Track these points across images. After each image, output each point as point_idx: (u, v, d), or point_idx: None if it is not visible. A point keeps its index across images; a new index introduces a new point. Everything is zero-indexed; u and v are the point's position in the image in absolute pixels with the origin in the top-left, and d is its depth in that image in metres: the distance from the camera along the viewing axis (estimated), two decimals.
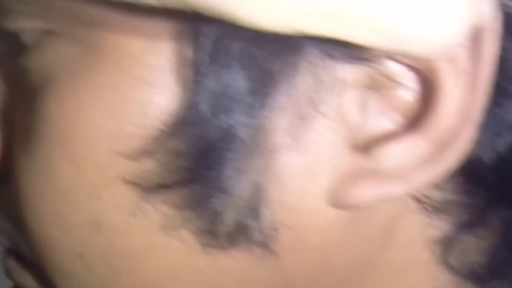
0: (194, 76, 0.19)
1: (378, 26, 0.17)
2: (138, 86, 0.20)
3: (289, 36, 0.18)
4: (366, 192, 0.20)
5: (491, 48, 0.19)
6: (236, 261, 0.21)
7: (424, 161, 0.20)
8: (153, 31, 0.19)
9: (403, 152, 0.20)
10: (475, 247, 0.23)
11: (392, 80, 0.20)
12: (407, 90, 0.20)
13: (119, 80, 0.20)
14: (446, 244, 0.22)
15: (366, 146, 0.20)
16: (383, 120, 0.20)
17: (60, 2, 0.20)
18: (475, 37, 0.18)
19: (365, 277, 0.23)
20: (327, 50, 0.19)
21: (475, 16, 0.18)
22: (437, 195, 0.22)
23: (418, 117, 0.20)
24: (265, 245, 0.20)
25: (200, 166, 0.19)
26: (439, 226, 0.22)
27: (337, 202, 0.20)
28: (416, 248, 0.22)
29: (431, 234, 0.22)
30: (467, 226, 0.22)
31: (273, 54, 0.19)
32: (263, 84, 0.19)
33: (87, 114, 0.20)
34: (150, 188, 0.20)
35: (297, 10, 0.17)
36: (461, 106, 0.19)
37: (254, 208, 0.20)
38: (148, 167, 0.20)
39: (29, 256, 0.24)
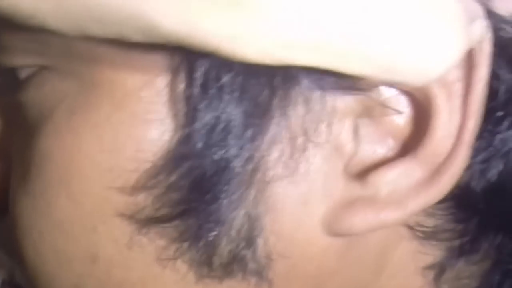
0: (186, 110, 0.20)
1: (369, 57, 0.18)
2: (133, 122, 0.20)
3: (279, 67, 0.18)
4: (360, 220, 0.20)
5: (483, 72, 0.19)
6: None
7: (418, 186, 0.20)
8: (147, 67, 0.20)
9: (397, 178, 0.20)
10: (467, 272, 0.23)
11: (384, 106, 0.20)
12: (400, 115, 0.20)
13: (115, 115, 0.20)
14: (438, 270, 0.23)
15: (360, 173, 0.20)
16: (376, 146, 0.20)
17: (57, 39, 0.20)
18: (468, 60, 0.19)
19: None
20: (319, 81, 0.19)
21: (468, 40, 0.18)
22: (428, 221, 0.22)
23: (411, 141, 0.20)
24: (259, 274, 0.21)
25: (194, 199, 0.20)
26: (431, 253, 0.22)
27: (331, 230, 0.20)
28: (409, 274, 0.23)
29: (423, 260, 0.23)
30: (458, 252, 0.22)
31: (265, 86, 0.19)
32: (256, 116, 0.19)
33: (83, 149, 0.20)
34: (146, 221, 0.20)
35: (282, 42, 0.17)
36: (454, 130, 0.19)
37: (249, 238, 0.20)
38: (144, 201, 0.20)
39: (26, 287, 0.24)
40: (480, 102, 0.19)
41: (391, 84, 0.19)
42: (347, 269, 0.22)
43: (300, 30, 0.17)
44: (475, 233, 0.22)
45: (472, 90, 0.19)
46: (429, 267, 0.23)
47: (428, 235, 0.22)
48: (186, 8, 0.17)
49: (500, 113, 0.21)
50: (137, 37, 0.18)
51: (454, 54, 0.18)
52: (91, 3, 0.17)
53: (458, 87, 0.19)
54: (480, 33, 0.19)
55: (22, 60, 0.21)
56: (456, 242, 0.22)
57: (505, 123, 0.21)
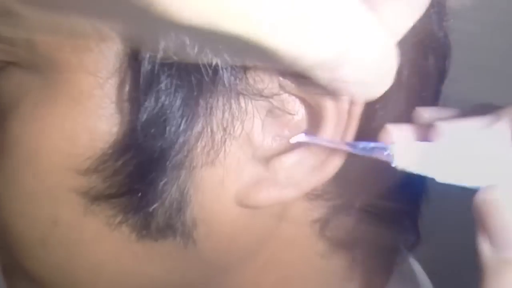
0: (131, 108, 0.24)
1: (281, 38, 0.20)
2: (88, 116, 0.24)
3: (208, 74, 0.23)
4: (265, 196, 0.26)
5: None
6: (164, 247, 0.26)
7: (311, 171, 0.25)
8: (99, 70, 0.24)
9: (294, 164, 0.25)
10: (345, 223, 0.29)
11: (285, 110, 0.25)
12: (296, 115, 0.25)
13: (72, 109, 0.24)
14: (323, 222, 0.29)
15: (266, 159, 0.26)
16: (277, 138, 0.26)
17: (22, 40, 0.24)
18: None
19: (263, 249, 0.29)
20: (236, 86, 0.24)
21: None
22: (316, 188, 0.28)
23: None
24: (186, 236, 0.26)
25: (136, 181, 0.25)
26: (318, 210, 0.28)
27: (243, 203, 0.26)
28: (301, 226, 0.29)
29: (312, 215, 0.28)
30: (338, 208, 0.28)
31: (194, 90, 0.23)
32: (187, 116, 0.24)
33: (46, 136, 0.25)
34: (97, 196, 0.25)
35: (216, 7, 0.19)
36: (340, 131, 0.25)
37: (179, 209, 0.25)
38: (95, 181, 0.25)
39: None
40: (362, 104, 0.24)
41: (292, 92, 0.25)
42: (253, 227, 0.27)
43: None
44: (350, 196, 0.28)
45: (354, 109, 0.24)
46: (316, 220, 0.29)
47: (316, 196, 0.28)
48: None
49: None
50: None
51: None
52: None
53: (345, 105, 0.24)
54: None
55: None
56: (337, 201, 0.28)
57: None
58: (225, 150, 0.25)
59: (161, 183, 0.25)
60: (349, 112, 0.25)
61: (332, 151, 0.25)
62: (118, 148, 0.24)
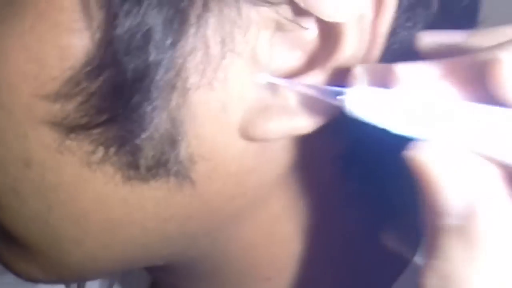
0: (107, 17, 0.20)
1: None
2: (57, 31, 0.20)
3: None
4: (274, 126, 0.22)
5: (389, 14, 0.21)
6: (157, 190, 0.23)
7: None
8: None
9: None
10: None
11: (296, 23, 0.21)
12: (309, 31, 0.21)
13: (39, 25, 0.21)
14: (347, 159, 0.25)
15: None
16: (288, 58, 0.22)
17: None
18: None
19: (277, 194, 0.25)
20: None
21: None
22: None
23: (320, 56, 0.22)
24: (182, 175, 0.22)
25: (118, 106, 0.21)
26: (338, 144, 0.25)
27: (248, 135, 0.22)
28: (322, 165, 0.25)
29: (332, 150, 0.25)
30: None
31: None
32: (175, 24, 0.20)
33: (10, 59, 0.21)
34: (72, 128, 0.21)
35: None
36: (361, 51, 0.21)
37: (172, 142, 0.21)
38: (70, 108, 0.21)
39: None
40: (388, 24, 0.21)
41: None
42: (263, 167, 0.23)
43: None
44: None
45: (379, 28, 0.21)
46: (339, 157, 0.25)
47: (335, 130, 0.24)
48: None
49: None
50: None
51: None
52: None
53: (368, 23, 0.21)
54: None
55: None
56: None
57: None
58: (225, 69, 0.21)
59: (148, 108, 0.21)
60: (373, 28, 0.21)
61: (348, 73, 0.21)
62: (93, 66, 0.21)
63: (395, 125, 0.19)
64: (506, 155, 0.17)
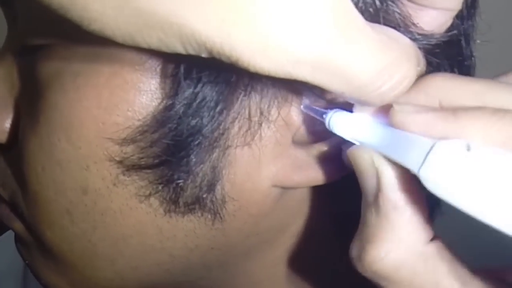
0: (172, 85, 0.24)
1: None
2: (128, 88, 0.25)
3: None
4: (304, 177, 0.26)
5: None
6: (190, 223, 0.27)
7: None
8: (143, 51, 0.24)
9: (329, 149, 0.26)
10: None
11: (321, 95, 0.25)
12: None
13: (113, 80, 0.25)
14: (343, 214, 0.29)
15: (305, 142, 0.26)
16: (315, 125, 0.26)
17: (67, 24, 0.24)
18: None
19: (283, 237, 0.30)
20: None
21: None
22: None
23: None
24: (215, 212, 0.27)
25: (171, 154, 0.25)
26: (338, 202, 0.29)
27: (281, 183, 0.26)
28: (322, 215, 0.30)
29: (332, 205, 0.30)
30: None
31: (234, 71, 0.24)
32: (225, 96, 0.24)
33: (84, 104, 0.25)
34: (131, 166, 0.25)
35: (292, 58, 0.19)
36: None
37: (210, 185, 0.26)
38: (130, 150, 0.25)
39: (22, 209, 0.29)
40: None
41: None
42: (277, 212, 0.28)
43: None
44: None
45: None
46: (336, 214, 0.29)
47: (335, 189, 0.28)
48: (221, 21, 0.18)
49: None
50: (176, 46, 0.19)
51: None
52: (146, 14, 0.18)
53: None
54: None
55: (43, 41, 0.26)
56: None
57: None
58: (261, 132, 0.25)
59: (194, 158, 0.25)
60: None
61: None
62: (156, 121, 0.25)
63: (360, 138, 0.23)
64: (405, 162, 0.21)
